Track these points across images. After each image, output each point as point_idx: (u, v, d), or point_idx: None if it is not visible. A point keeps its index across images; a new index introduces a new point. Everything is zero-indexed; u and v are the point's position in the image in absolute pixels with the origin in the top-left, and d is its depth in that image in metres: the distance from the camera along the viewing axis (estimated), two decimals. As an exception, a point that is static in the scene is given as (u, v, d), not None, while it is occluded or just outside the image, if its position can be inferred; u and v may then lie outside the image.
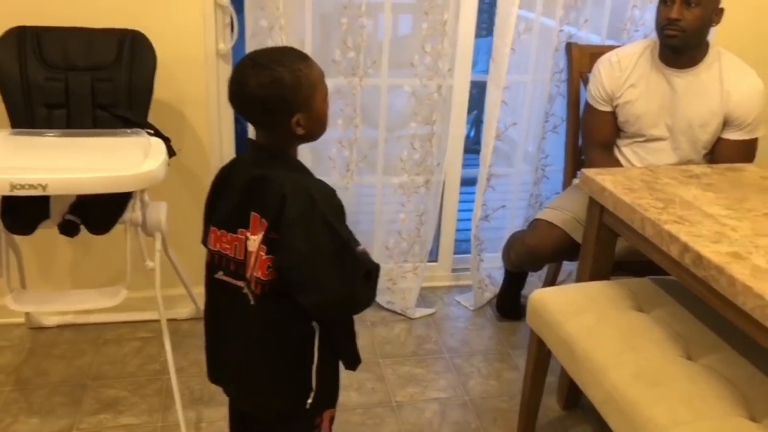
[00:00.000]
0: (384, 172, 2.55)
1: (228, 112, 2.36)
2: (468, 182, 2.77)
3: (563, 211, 2.24)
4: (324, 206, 1.26)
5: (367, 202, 2.58)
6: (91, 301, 1.80)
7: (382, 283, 2.61)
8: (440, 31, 2.34)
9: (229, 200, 1.35)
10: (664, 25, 2.04)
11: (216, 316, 1.43)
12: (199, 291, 1.59)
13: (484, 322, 2.61)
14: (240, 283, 1.34)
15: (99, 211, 1.78)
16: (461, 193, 2.76)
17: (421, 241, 2.59)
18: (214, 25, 2.27)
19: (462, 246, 2.89)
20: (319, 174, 2.37)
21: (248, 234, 1.31)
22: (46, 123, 1.97)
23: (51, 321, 2.41)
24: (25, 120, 1.96)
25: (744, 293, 1.34)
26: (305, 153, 2.44)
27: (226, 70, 2.29)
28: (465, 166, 2.72)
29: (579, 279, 2.03)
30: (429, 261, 2.74)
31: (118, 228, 1.88)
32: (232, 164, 1.41)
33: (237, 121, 2.45)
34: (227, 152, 2.40)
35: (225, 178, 1.40)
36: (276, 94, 1.25)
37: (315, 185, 1.31)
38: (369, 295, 1.37)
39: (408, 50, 2.38)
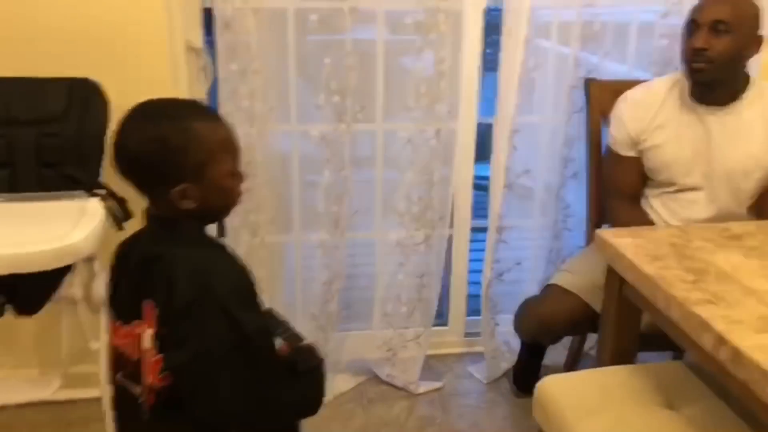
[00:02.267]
0: (379, 228, 2.27)
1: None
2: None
3: (580, 275, 1.92)
4: (223, 290, 1.02)
5: (361, 262, 2.31)
6: (20, 394, 1.56)
7: (381, 353, 2.31)
8: (437, 70, 2.07)
9: (124, 285, 1.11)
10: (689, 57, 1.73)
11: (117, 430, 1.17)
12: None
13: (498, 397, 2.28)
14: (137, 390, 1.09)
15: (27, 289, 1.55)
16: (477, 249, 2.45)
17: (423, 305, 2.28)
18: (186, 70, 2.05)
19: (478, 306, 2.57)
20: (305, 232, 2.12)
21: (144, 327, 1.06)
22: (-11, 185, 1.76)
23: (11, 399, 2.17)
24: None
25: (799, 409, 1.01)
26: (288, 207, 2.19)
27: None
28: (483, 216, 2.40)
29: (599, 360, 1.70)
30: (438, 325, 2.44)
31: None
32: (130, 240, 1.16)
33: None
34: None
35: (123, 257, 1.15)
36: (155, 154, 1.03)
37: (214, 264, 1.06)
38: (305, 395, 1.11)
39: (401, 92, 2.11)
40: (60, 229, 1.46)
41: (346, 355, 2.30)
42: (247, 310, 1.05)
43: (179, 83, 2.04)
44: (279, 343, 1.19)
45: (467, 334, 2.53)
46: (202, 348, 1.02)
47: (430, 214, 2.20)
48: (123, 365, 1.12)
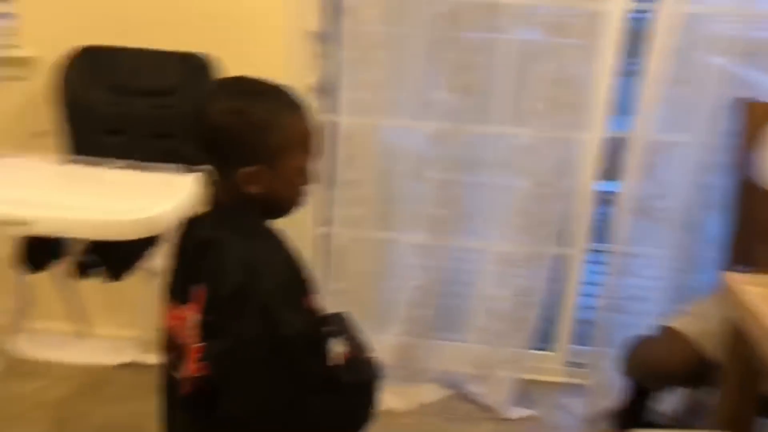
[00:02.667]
0: (483, 236, 2.13)
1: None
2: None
3: (703, 320, 1.68)
4: (269, 286, 0.97)
5: (461, 270, 2.18)
6: (96, 357, 1.59)
7: (472, 369, 2.18)
8: (568, 75, 1.90)
9: (179, 265, 1.08)
10: None
11: (162, 419, 1.14)
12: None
13: (595, 438, 2.08)
14: (177, 376, 1.06)
15: (116, 255, 1.58)
16: (594, 272, 2.25)
17: (524, 325, 2.12)
18: (302, 55, 2.03)
19: (586, 334, 2.36)
20: (407, 232, 2.00)
21: (191, 311, 1.02)
22: (102, 150, 1.81)
23: (110, 359, 2.25)
24: (82, 146, 1.83)
25: None
26: (393, 204, 2.11)
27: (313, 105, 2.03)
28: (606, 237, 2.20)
29: (714, 421, 1.48)
30: (540, 349, 2.27)
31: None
32: (192, 220, 1.13)
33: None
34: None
35: (183, 237, 1.12)
36: (235, 127, 0.99)
37: (266, 258, 1.01)
38: (346, 408, 1.04)
39: (526, 96, 1.96)
40: (148, 200, 1.47)
41: (434, 365, 2.18)
42: (291, 311, 0.99)
43: (294, 66, 2.01)
44: (338, 348, 1.12)
45: (569, 363, 2.33)
46: (237, 341, 0.97)
47: (542, 229, 2.04)
48: (170, 348, 1.09)
